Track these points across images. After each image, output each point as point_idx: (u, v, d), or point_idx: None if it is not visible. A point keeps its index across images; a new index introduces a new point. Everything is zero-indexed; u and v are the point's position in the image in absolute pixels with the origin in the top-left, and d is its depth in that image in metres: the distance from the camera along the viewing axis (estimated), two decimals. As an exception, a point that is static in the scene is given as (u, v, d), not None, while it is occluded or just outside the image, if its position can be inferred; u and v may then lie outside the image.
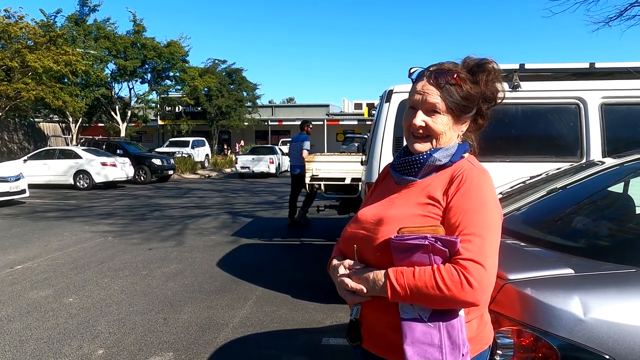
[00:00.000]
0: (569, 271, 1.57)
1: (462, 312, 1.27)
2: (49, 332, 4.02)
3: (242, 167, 22.12)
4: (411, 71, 1.47)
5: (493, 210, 1.32)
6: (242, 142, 30.91)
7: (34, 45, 18.65)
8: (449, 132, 1.41)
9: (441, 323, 1.25)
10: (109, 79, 26.47)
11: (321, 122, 42.13)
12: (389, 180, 1.53)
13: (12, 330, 4.08)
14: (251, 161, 21.99)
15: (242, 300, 4.86)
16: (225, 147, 32.79)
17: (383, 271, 1.29)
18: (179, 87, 30.31)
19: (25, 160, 16.46)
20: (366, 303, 1.36)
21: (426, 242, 1.24)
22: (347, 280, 1.35)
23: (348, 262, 1.40)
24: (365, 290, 1.32)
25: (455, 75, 1.38)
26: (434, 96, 1.38)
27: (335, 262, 1.45)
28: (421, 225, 1.29)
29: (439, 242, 1.24)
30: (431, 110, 1.39)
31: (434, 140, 1.41)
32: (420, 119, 1.40)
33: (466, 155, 1.45)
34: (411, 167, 1.42)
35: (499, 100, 1.47)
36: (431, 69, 1.43)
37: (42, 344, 3.79)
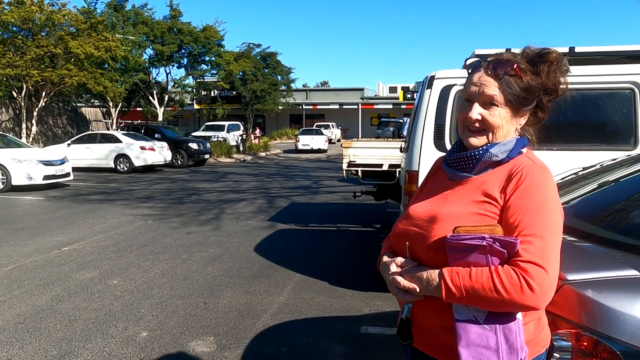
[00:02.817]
0: (634, 272, 1.49)
1: (519, 315, 1.23)
2: (95, 313, 4.17)
3: (304, 144, 28.20)
4: (467, 62, 1.41)
5: (555, 210, 1.25)
6: (258, 131, 31.43)
7: (76, 32, 19.13)
8: (507, 125, 1.35)
9: (498, 326, 1.21)
10: (147, 64, 26.99)
11: (356, 106, 41.90)
12: (440, 175, 1.48)
13: (62, 310, 4.25)
14: (310, 140, 28.34)
15: (280, 286, 4.91)
16: (257, 129, 33.13)
17: (437, 271, 1.25)
18: (215, 72, 30.65)
19: (69, 144, 17.01)
20: (418, 302, 1.33)
21: (484, 243, 1.19)
22: (400, 279, 1.32)
23: (400, 259, 1.36)
24: (418, 290, 1.28)
25: (514, 66, 1.31)
26: (492, 88, 1.32)
27: (386, 259, 1.41)
28: (478, 225, 1.24)
29: (497, 243, 1.19)
30: (488, 103, 1.33)
31: (491, 135, 1.35)
32: (476, 111, 1.34)
33: (525, 150, 1.38)
34: (466, 163, 1.37)
35: (561, 93, 1.39)
36: (489, 59, 1.36)
37: (90, 325, 3.94)
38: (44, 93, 19.47)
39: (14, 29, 18.35)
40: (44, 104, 20.02)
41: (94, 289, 4.79)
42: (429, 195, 1.44)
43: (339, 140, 34.43)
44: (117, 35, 21.84)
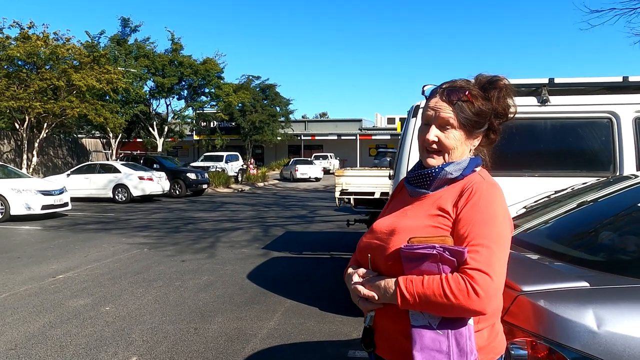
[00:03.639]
0: (584, 284, 1.58)
1: (471, 321, 1.31)
2: (86, 339, 4.20)
3: (302, 174, 30.24)
4: (424, 88, 1.53)
5: (502, 222, 1.35)
6: (252, 162, 32.29)
7: (79, 65, 19.54)
8: (461, 146, 1.46)
9: (450, 331, 1.29)
10: (147, 96, 27.40)
11: (354, 137, 42.28)
12: (404, 192, 1.59)
13: (53, 336, 4.28)
14: (308, 169, 30.58)
15: (270, 312, 4.94)
16: (253, 160, 33.68)
17: (394, 279, 1.34)
18: (214, 103, 31.08)
19: (68, 175, 17.17)
20: (379, 311, 1.42)
21: (434, 252, 1.29)
22: (360, 288, 1.41)
23: (362, 270, 1.46)
24: (376, 298, 1.38)
25: (467, 92, 1.43)
26: (447, 112, 1.44)
27: (350, 270, 1.52)
28: (431, 236, 1.34)
29: (447, 252, 1.29)
30: (444, 126, 1.45)
31: (446, 155, 1.46)
32: (433, 134, 1.46)
33: (478, 169, 1.49)
34: (424, 180, 1.48)
35: (511, 116, 1.51)
36: (444, 86, 1.49)
37: (80, 350, 3.96)
38: (45, 124, 19.74)
39: (19, 62, 18.76)
40: (45, 135, 20.27)
41: (86, 316, 4.82)
42: (392, 211, 1.55)
43: (337, 171, 34.70)
44: (119, 68, 22.29)
